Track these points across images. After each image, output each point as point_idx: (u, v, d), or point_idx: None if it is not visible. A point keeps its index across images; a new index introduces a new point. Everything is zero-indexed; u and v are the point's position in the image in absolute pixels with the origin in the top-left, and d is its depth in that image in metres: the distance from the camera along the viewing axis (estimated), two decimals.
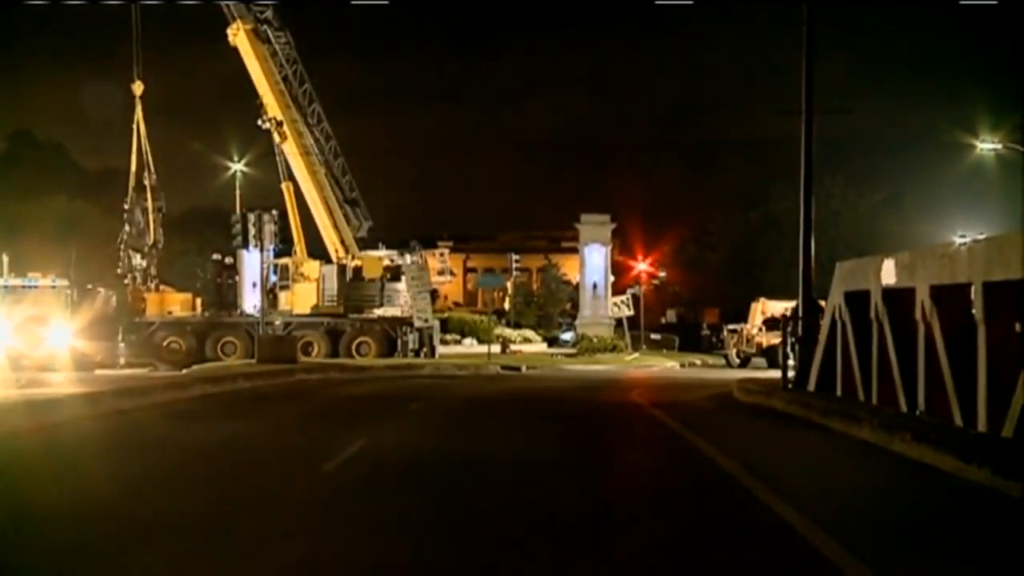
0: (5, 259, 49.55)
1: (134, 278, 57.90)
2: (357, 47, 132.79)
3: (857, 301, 22.91)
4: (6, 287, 45.53)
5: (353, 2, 58.60)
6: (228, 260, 57.77)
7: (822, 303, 28.08)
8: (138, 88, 58.97)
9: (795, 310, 32.02)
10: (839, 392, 24.22)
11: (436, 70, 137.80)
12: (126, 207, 58.77)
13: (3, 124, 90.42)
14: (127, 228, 58.48)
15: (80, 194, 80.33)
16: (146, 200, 58.70)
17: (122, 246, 58.41)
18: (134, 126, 58.81)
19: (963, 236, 50.85)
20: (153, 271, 59.48)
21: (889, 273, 20.95)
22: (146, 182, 58.82)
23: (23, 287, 45.68)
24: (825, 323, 25.69)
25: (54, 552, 10.06)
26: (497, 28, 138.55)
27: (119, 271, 58.07)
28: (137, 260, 58.22)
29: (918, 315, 19.16)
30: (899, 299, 20.35)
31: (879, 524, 11.55)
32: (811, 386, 26.13)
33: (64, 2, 61.54)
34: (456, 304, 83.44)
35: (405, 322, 55.69)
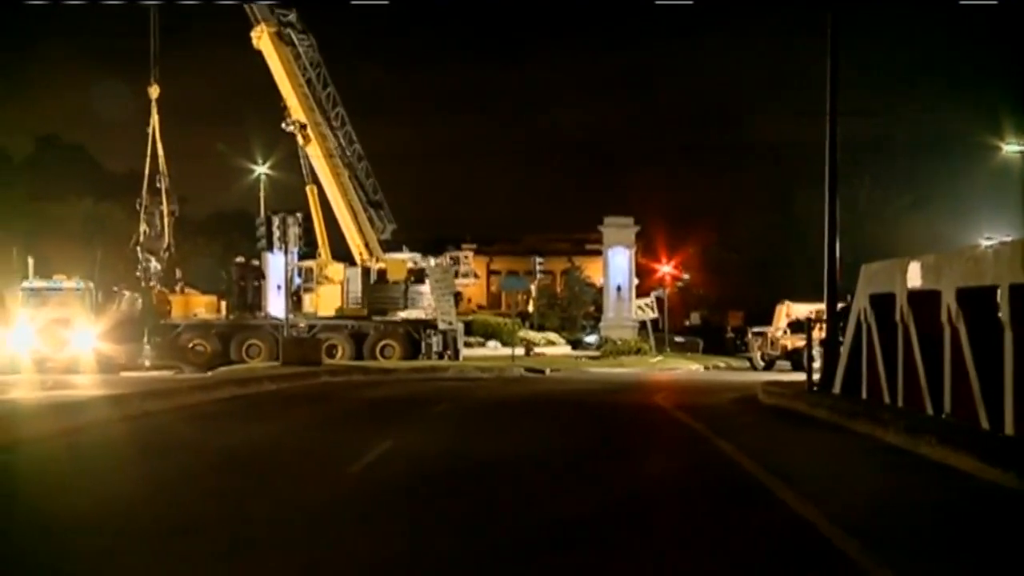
0: (31, 261, 49.75)
1: (149, 280, 58.05)
2: (386, 53, 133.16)
3: (882, 304, 22.83)
4: (31, 289, 45.69)
5: (353, 2, 58.36)
6: (255, 262, 57.88)
7: (843, 304, 28.04)
8: (154, 91, 59.19)
9: (820, 313, 31.93)
10: (864, 395, 24.14)
11: (464, 75, 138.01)
12: (139, 209, 59.01)
13: (29, 128, 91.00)
14: (142, 231, 58.67)
15: (105, 196, 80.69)
16: (160, 203, 58.93)
17: (138, 249, 58.61)
18: (149, 129, 59.06)
19: (989, 238, 50.62)
20: (178, 274, 59.72)
21: (915, 276, 20.87)
22: (160, 185, 59.06)
23: (48, 289, 45.81)
24: (850, 326, 25.60)
25: (82, 555, 10.10)
26: (526, 34, 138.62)
27: (138, 274, 58.27)
28: (153, 263, 58.41)
29: (944, 318, 19.09)
30: (925, 302, 20.27)
31: (904, 527, 11.51)
32: (836, 389, 26.04)
33: (64, 2, 61.52)
34: (480, 307, 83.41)
35: (429, 324, 55.73)
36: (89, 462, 16.56)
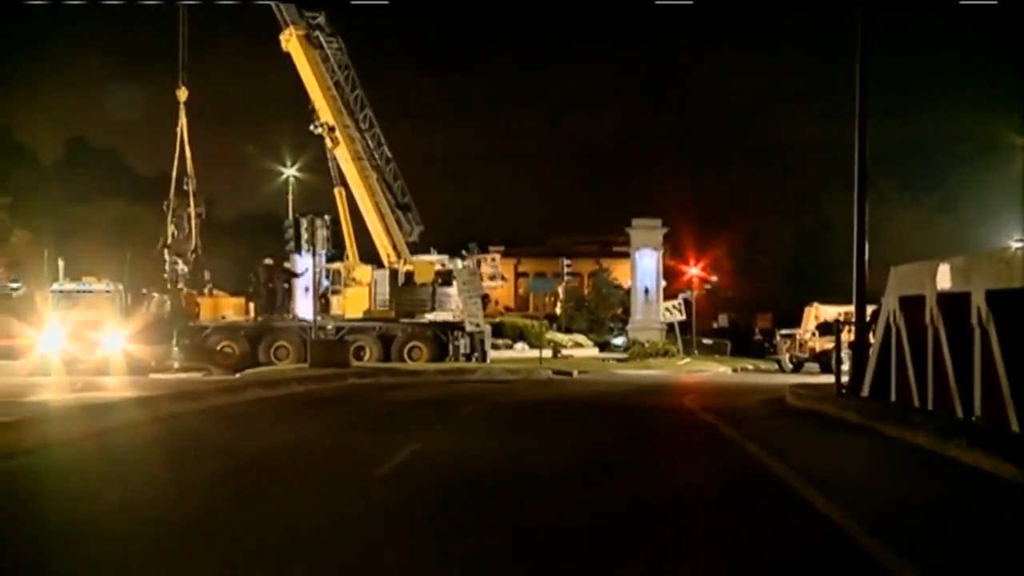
0: (61, 264, 50.02)
1: (176, 282, 58.29)
2: (420, 56, 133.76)
3: (912, 306, 22.74)
4: (61, 292, 45.92)
5: (353, 2, 58.46)
6: (287, 264, 58.05)
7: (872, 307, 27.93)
8: (183, 94, 59.49)
9: (848, 315, 31.82)
10: (893, 397, 24.05)
11: (496, 78, 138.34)
12: (166, 212, 59.30)
13: (59, 131, 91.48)
14: (170, 233, 58.94)
15: (135, 199, 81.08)
16: (188, 206, 59.19)
17: (165, 251, 58.88)
18: (178, 131, 59.33)
19: (1020, 240, 50.39)
20: (206, 275, 59.94)
21: (944, 278, 20.79)
22: (187, 187, 59.30)
23: (78, 291, 46.03)
24: (879, 328, 25.51)
25: (110, 558, 10.15)
26: (558, 37, 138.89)
27: (166, 276, 58.52)
28: (180, 265, 58.65)
29: (974, 320, 19.00)
30: (954, 304, 20.18)
31: (933, 530, 11.47)
32: (865, 391, 25.95)
33: (64, 2, 61.58)
34: (507, 309, 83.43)
35: (456, 326, 55.75)
36: (118, 464, 16.63)
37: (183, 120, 59.52)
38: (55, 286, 46.49)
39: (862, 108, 28.61)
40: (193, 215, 59.32)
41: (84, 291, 45.75)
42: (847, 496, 12.97)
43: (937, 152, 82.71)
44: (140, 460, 17.25)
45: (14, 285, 62.80)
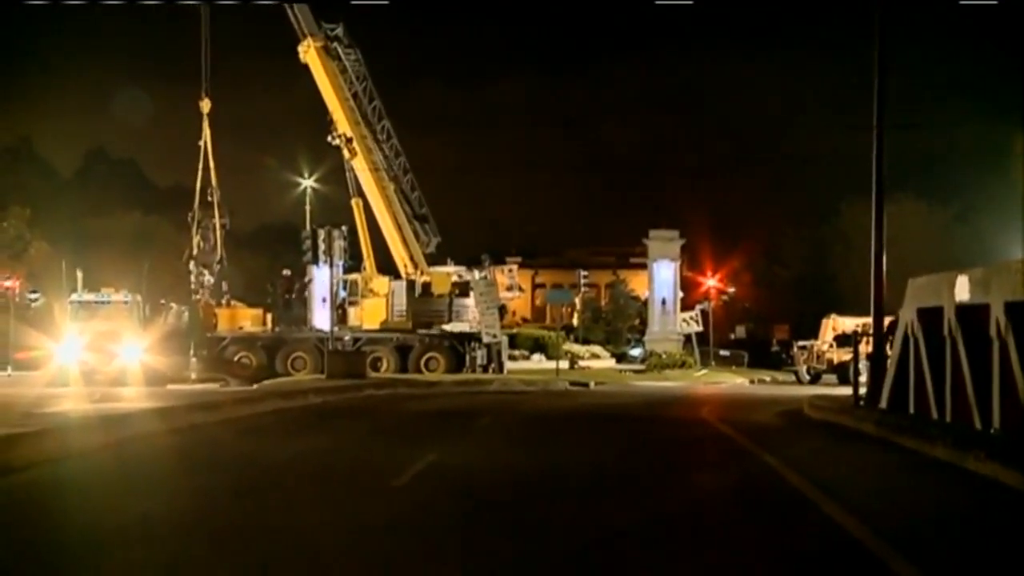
0: (79, 275, 50.16)
1: (203, 294, 58.49)
2: (443, 68, 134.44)
3: (930, 317, 22.67)
4: (80, 302, 46.03)
5: (353, 2, 58.58)
6: (307, 278, 58.19)
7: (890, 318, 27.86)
8: (206, 106, 59.70)
9: (866, 326, 31.76)
10: (911, 409, 23.95)
11: (516, 91, 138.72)
12: (191, 223, 59.46)
13: (78, 142, 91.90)
14: (195, 244, 59.11)
15: (152, 210, 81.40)
16: (212, 217, 59.36)
17: (191, 263, 59.06)
18: (201, 143, 59.51)
19: None
20: (225, 287, 60.09)
21: (963, 289, 20.72)
22: (211, 199, 59.47)
23: (96, 302, 46.13)
24: (897, 340, 25.43)
25: (127, 568, 10.20)
26: (577, 51, 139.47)
27: (192, 287, 58.69)
28: (206, 276, 58.84)
29: (992, 332, 18.93)
30: (973, 315, 20.11)
31: (951, 543, 11.44)
32: (883, 403, 25.86)
33: (64, 2, 61.60)
34: (524, 320, 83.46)
35: (473, 338, 55.78)
36: (137, 475, 16.68)
37: (206, 131, 59.74)
38: (74, 297, 46.58)
39: (880, 119, 28.58)
40: (218, 226, 59.51)
41: (102, 302, 45.82)
42: (865, 508, 12.93)
43: (955, 162, 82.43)
44: (159, 471, 17.29)
45: (33, 296, 63.17)
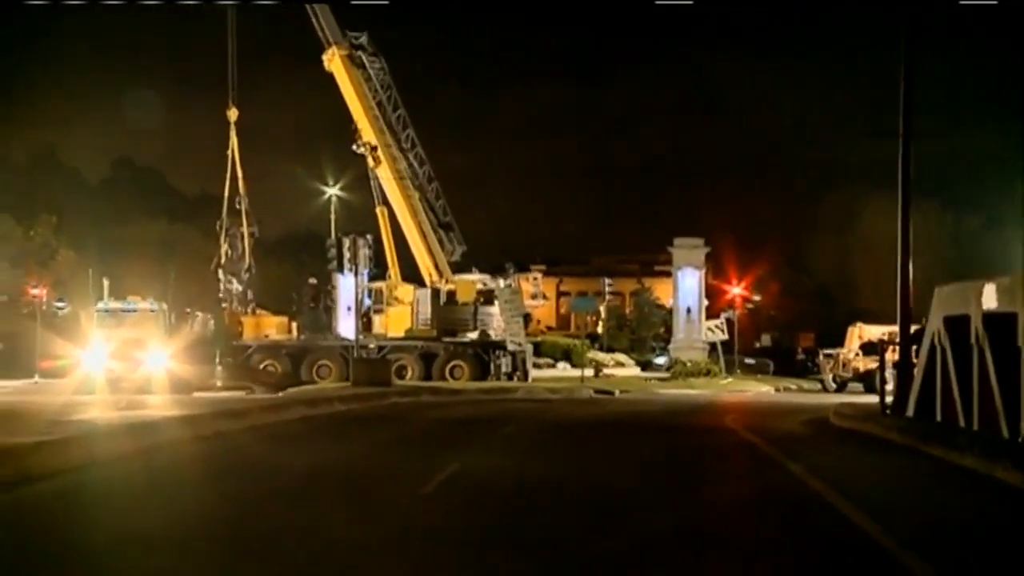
0: (106, 283, 50.34)
1: (231, 302, 58.68)
2: (469, 76, 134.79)
3: (957, 326, 22.56)
4: (106, 310, 46.18)
5: (353, 2, 58.70)
6: (330, 287, 58.29)
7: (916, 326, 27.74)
8: (233, 114, 59.90)
9: (893, 335, 31.64)
10: (938, 418, 23.85)
11: (541, 98, 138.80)
12: (219, 231, 59.65)
13: (105, 151, 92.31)
14: (224, 252, 59.29)
15: (178, 218, 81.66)
16: (240, 225, 59.53)
17: (219, 271, 59.23)
18: (228, 152, 59.69)
19: None
20: (250, 295, 60.24)
21: (990, 298, 20.63)
22: (239, 207, 59.64)
23: (123, 310, 46.27)
24: (924, 348, 25.33)
25: (163, 573, 10.23)
26: (602, 59, 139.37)
27: (220, 295, 58.87)
28: (235, 284, 59.02)
29: (1020, 340, 18.83)
30: (1000, 324, 20.01)
31: (980, 554, 11.37)
32: (909, 412, 25.75)
33: (63, 2, 61.70)
34: (549, 328, 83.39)
35: (498, 345, 55.78)
36: (163, 482, 16.73)
37: (234, 140, 59.96)
38: (100, 305, 46.74)
39: (906, 127, 28.49)
40: (246, 234, 59.69)
41: (129, 310, 45.95)
42: (892, 516, 12.88)
43: (981, 170, 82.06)
44: (185, 478, 17.34)
45: (60, 304, 63.43)
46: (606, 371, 62.93)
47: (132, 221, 79.38)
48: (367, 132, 60.21)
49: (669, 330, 73.48)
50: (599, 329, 77.90)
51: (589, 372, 57.48)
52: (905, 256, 28.31)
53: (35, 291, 62.54)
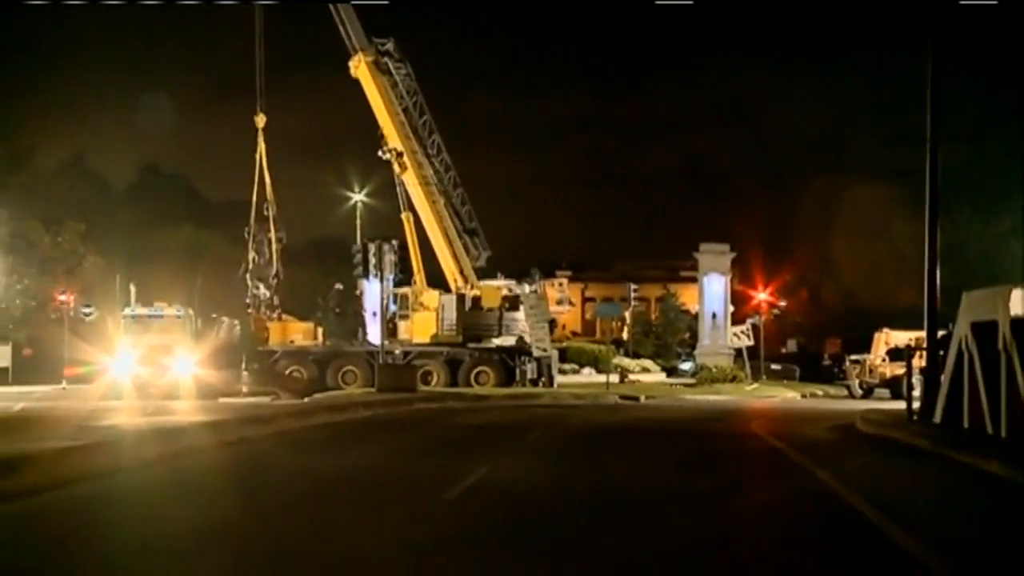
0: (133, 289, 50.57)
1: (259, 308, 58.83)
2: (495, 82, 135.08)
3: (984, 332, 22.46)
4: (133, 316, 46.39)
5: (354, 2, 58.65)
6: (357, 292, 58.39)
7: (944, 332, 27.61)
8: (261, 121, 60.04)
9: (920, 340, 31.49)
10: (966, 424, 23.74)
11: (569, 105, 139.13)
12: (247, 238, 59.80)
13: (132, 157, 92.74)
14: (251, 258, 59.44)
15: (205, 224, 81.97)
16: (268, 231, 59.70)
17: (247, 277, 59.39)
18: (257, 157, 59.85)
19: None
20: (276, 300, 60.37)
21: (1018, 303, 20.53)
22: (267, 213, 59.79)
23: (149, 316, 46.48)
24: (951, 354, 25.21)
25: None
26: (630, 66, 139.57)
27: (248, 301, 59.02)
28: (262, 290, 59.18)
29: None
30: None
31: (1012, 561, 11.29)
32: (937, 418, 25.64)
33: (63, 2, 61.58)
34: (574, 333, 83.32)
35: (523, 351, 55.74)
36: (189, 488, 16.76)
37: (262, 146, 60.08)
38: (127, 311, 46.99)
39: (934, 132, 28.38)
40: (274, 240, 59.84)
41: (155, 316, 46.19)
42: (923, 525, 12.82)
43: (1010, 175, 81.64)
44: (211, 484, 17.37)
45: (87, 310, 63.74)
46: (631, 377, 62.86)
47: (159, 227, 79.75)
48: (393, 138, 60.29)
49: (695, 336, 73.38)
50: (624, 335, 77.85)
51: (615, 378, 57.41)
52: (932, 262, 28.19)
53: (63, 297, 62.93)
